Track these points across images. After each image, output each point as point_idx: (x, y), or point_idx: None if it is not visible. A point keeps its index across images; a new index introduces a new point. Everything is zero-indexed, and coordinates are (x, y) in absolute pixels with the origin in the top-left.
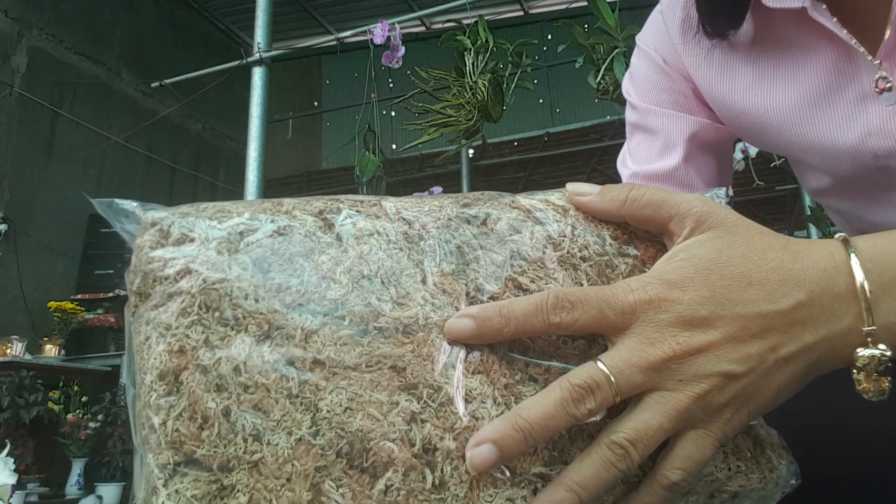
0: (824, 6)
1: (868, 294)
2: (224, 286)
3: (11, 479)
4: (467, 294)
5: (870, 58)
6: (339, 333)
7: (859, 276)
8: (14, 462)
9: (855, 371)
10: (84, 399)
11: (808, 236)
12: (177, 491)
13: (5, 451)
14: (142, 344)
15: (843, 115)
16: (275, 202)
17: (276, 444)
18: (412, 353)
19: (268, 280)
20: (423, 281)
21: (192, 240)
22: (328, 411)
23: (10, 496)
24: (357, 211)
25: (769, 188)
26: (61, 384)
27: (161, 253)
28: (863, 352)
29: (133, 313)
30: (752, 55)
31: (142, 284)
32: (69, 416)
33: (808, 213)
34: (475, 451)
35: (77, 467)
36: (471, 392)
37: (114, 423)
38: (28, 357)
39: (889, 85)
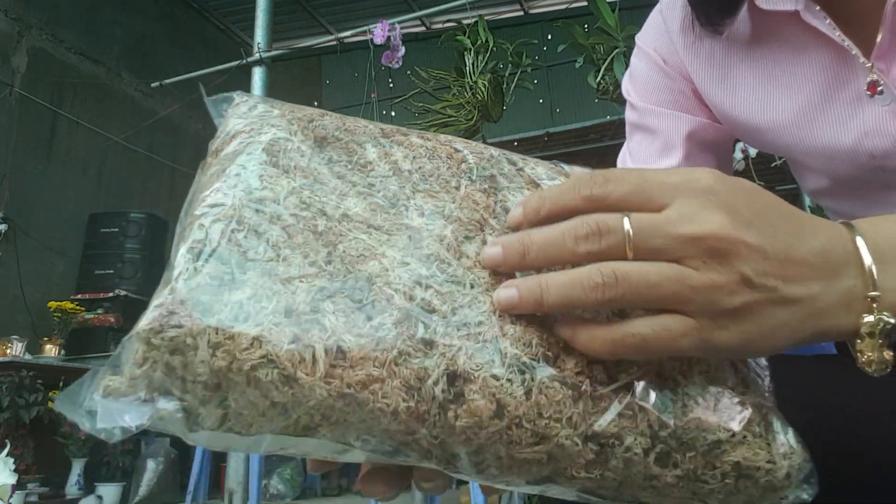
0: (818, 8)
1: (871, 259)
2: (286, 143)
3: (11, 479)
4: (492, 209)
5: (862, 60)
6: (370, 200)
7: (861, 242)
8: (14, 462)
9: (859, 341)
10: None
11: None
12: (195, 269)
13: (5, 451)
14: (209, 174)
15: (839, 116)
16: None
17: (290, 261)
18: (430, 232)
19: (323, 152)
20: (457, 188)
21: (272, 112)
22: (344, 251)
23: (10, 496)
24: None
25: (769, 188)
26: (61, 384)
27: (243, 118)
28: (868, 318)
29: (207, 163)
30: (751, 56)
31: (222, 142)
32: None
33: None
34: (489, 248)
35: (77, 467)
36: (479, 281)
37: None
38: (28, 357)
39: (881, 88)
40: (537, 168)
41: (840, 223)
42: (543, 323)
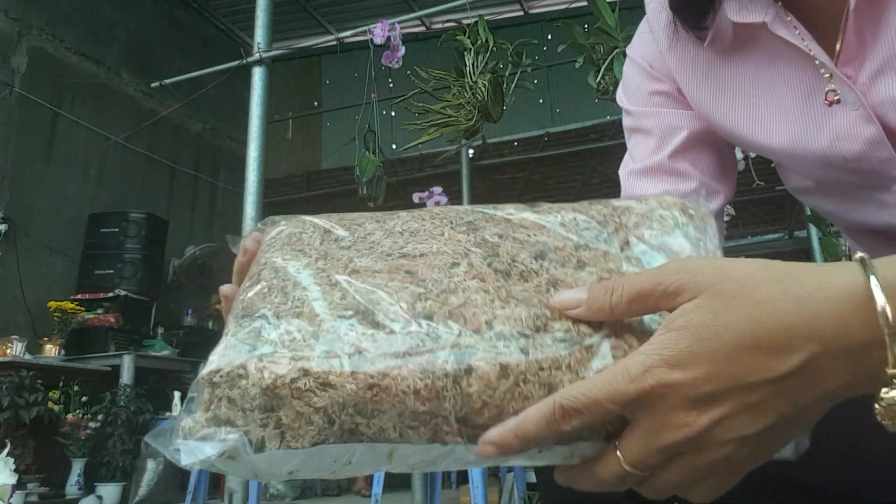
0: (790, 18)
1: (891, 335)
2: (300, 235)
3: (11, 479)
4: (473, 241)
5: (823, 70)
6: (371, 255)
7: (882, 319)
8: (14, 462)
9: (877, 405)
10: (84, 399)
11: (808, 236)
12: (240, 325)
13: (5, 451)
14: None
15: (813, 121)
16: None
17: (313, 306)
18: (424, 265)
19: (330, 236)
20: (441, 234)
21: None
22: (355, 291)
23: (10, 496)
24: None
25: (769, 188)
26: (61, 384)
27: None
28: (889, 393)
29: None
30: (732, 63)
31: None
32: (69, 416)
33: (808, 212)
34: (481, 447)
35: (77, 467)
36: (469, 287)
37: (114, 423)
38: (28, 357)
39: (837, 97)
40: (507, 207)
41: (857, 270)
42: (529, 303)
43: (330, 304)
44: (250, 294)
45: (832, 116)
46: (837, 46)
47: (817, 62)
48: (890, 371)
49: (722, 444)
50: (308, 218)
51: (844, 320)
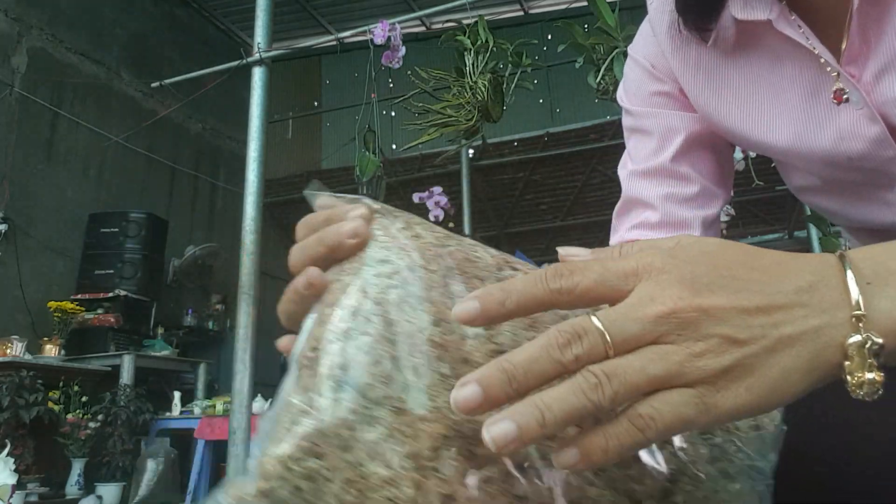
0: (794, 17)
1: (856, 279)
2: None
3: (11, 479)
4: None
5: (829, 68)
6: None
7: (849, 270)
8: (14, 462)
9: (848, 363)
10: (84, 399)
11: (808, 236)
12: (336, 400)
13: (5, 451)
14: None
15: (817, 120)
16: None
17: (416, 399)
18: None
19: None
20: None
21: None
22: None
23: (11, 496)
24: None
25: (769, 188)
26: (61, 384)
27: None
28: (855, 337)
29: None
30: (735, 62)
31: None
32: (69, 416)
33: (809, 212)
34: (460, 391)
35: (77, 467)
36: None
37: (114, 423)
38: (28, 357)
39: (846, 96)
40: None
41: (832, 254)
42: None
43: (434, 407)
44: (341, 344)
45: (836, 115)
46: (843, 45)
47: (823, 60)
48: (856, 312)
49: (704, 336)
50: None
51: (823, 266)
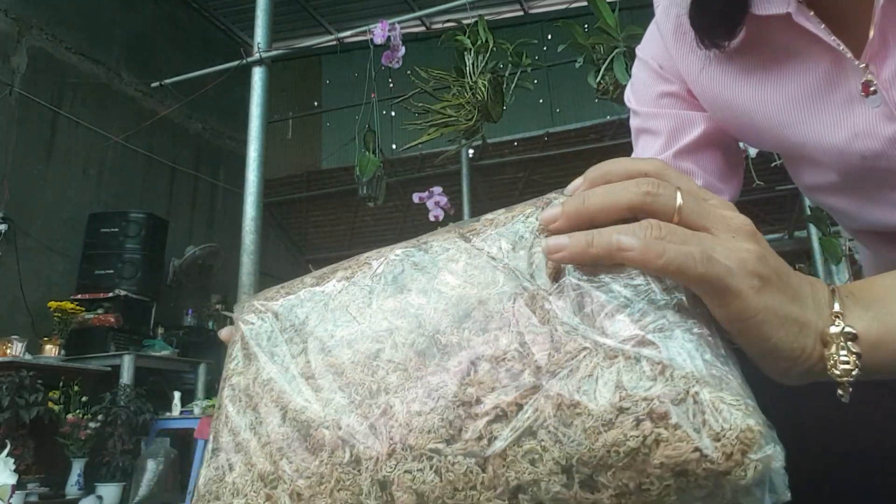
0: (812, 12)
1: (840, 297)
2: (256, 342)
3: (11, 479)
4: (399, 310)
5: (856, 62)
6: (310, 353)
7: (834, 292)
8: (14, 462)
9: (826, 350)
10: (84, 399)
11: (808, 236)
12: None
13: (5, 451)
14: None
15: (831, 117)
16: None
17: (267, 434)
18: (350, 362)
19: (279, 331)
20: (368, 306)
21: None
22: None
23: (10, 496)
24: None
25: (769, 188)
26: (61, 384)
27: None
28: (833, 328)
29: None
30: (745, 60)
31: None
32: (69, 416)
33: (808, 213)
34: (548, 211)
35: (77, 467)
36: (389, 387)
37: (114, 423)
38: (28, 357)
39: (874, 88)
40: (439, 240)
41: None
42: (445, 397)
43: (261, 444)
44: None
45: (850, 113)
46: (870, 36)
47: (849, 56)
48: (835, 309)
49: (754, 262)
50: (260, 303)
51: (816, 285)
